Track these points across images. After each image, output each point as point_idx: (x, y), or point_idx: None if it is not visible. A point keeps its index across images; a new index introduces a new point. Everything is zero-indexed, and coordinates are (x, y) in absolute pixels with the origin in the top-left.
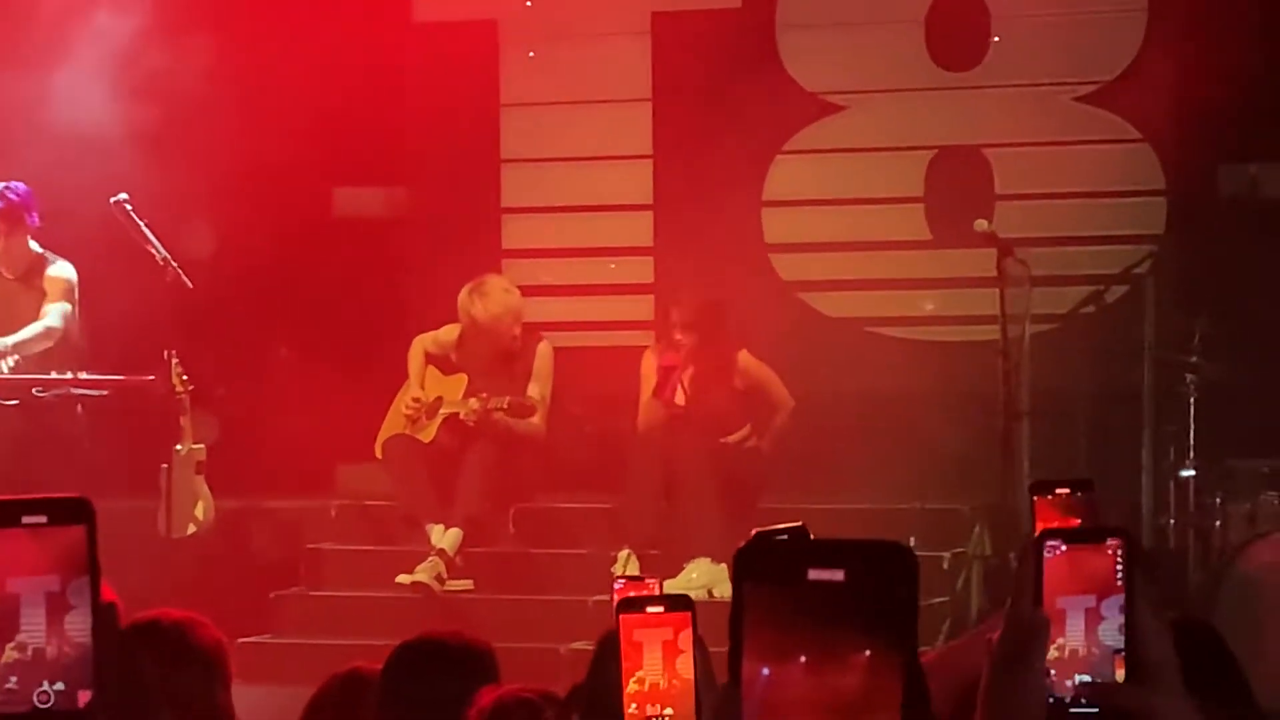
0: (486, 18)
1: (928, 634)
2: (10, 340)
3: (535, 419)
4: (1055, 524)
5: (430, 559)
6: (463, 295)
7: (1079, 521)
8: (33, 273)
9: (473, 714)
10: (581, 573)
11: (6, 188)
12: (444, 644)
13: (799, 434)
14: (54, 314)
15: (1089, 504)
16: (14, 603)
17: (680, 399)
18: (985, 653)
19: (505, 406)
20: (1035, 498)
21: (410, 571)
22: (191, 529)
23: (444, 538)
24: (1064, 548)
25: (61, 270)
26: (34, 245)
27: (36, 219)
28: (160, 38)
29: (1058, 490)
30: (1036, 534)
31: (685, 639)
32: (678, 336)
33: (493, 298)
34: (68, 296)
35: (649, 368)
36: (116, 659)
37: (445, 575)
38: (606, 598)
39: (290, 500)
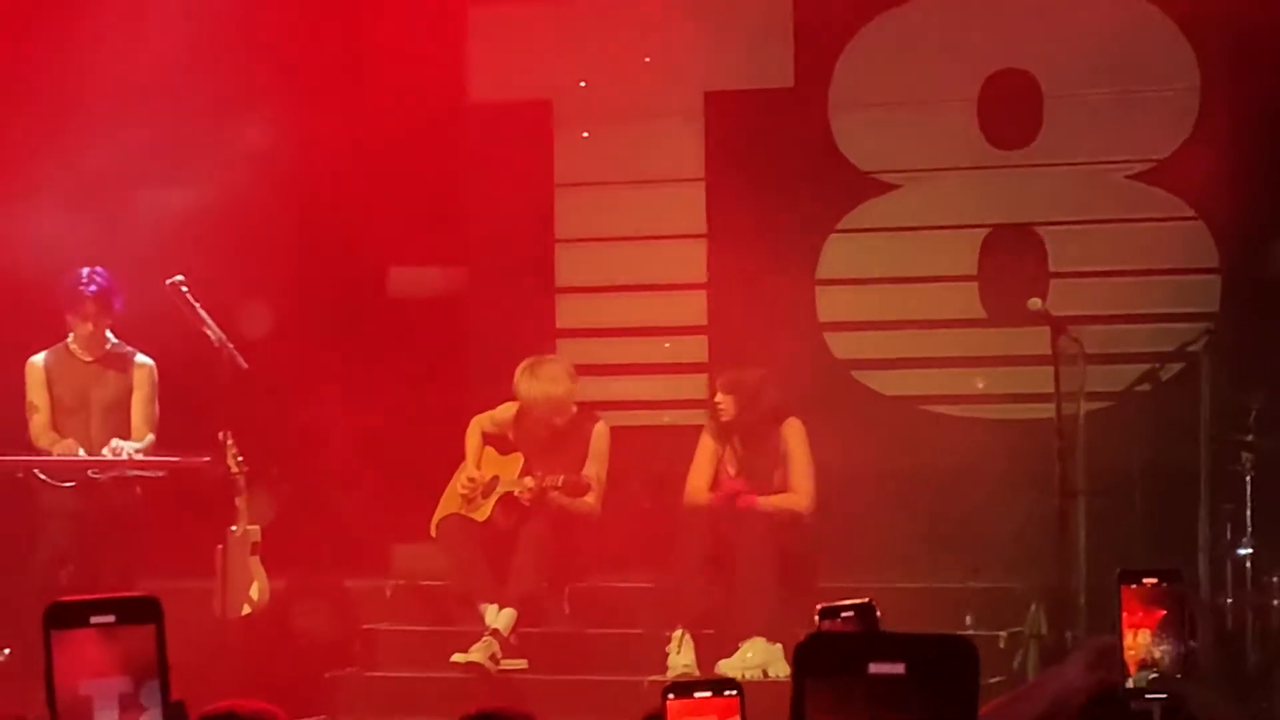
0: (541, 98)
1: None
2: (130, 446)
3: (590, 498)
4: (1140, 614)
5: (485, 639)
6: (518, 374)
7: (1165, 611)
8: (110, 359)
9: None
10: (636, 653)
11: (94, 272)
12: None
13: (855, 511)
14: (149, 421)
15: (1176, 594)
16: (88, 705)
17: (732, 468)
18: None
19: (560, 485)
20: (1122, 586)
21: (465, 651)
22: (246, 609)
23: (498, 617)
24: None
25: (151, 367)
26: (109, 332)
27: (120, 305)
28: (216, 119)
29: (1145, 580)
30: (1123, 625)
31: None
32: (717, 400)
33: (546, 377)
34: (155, 394)
35: (705, 448)
36: None
37: (500, 655)
38: (662, 678)
39: (345, 580)
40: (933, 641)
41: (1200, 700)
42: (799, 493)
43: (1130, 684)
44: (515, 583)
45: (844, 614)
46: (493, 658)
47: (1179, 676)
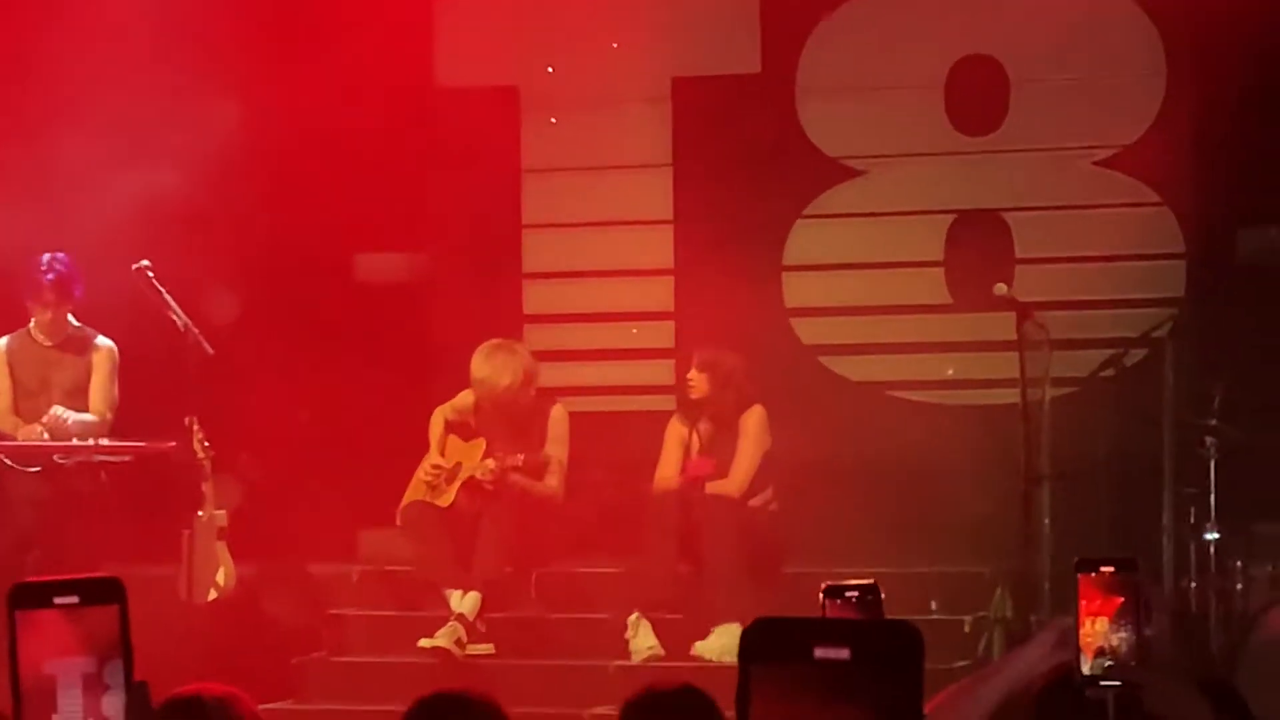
0: (508, 84)
1: None
2: (74, 417)
3: (553, 481)
4: (1097, 601)
5: (450, 624)
6: (474, 360)
7: (1122, 600)
8: (70, 342)
9: None
10: (603, 638)
11: (54, 258)
12: (456, 699)
13: (821, 496)
14: (107, 401)
15: (1133, 582)
16: (51, 685)
17: (695, 447)
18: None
19: (520, 464)
20: (1080, 575)
21: (432, 636)
22: (213, 595)
23: (463, 602)
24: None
25: (110, 349)
26: (70, 316)
27: (80, 291)
28: (181, 105)
29: (1102, 569)
30: (1080, 612)
31: None
32: (690, 377)
33: (498, 361)
34: (115, 376)
35: (673, 436)
36: None
37: (465, 640)
38: (627, 662)
39: (312, 565)
40: (878, 628)
41: (1157, 688)
42: (733, 479)
43: (1086, 670)
44: (478, 566)
45: (849, 594)
46: (458, 642)
47: (1133, 665)
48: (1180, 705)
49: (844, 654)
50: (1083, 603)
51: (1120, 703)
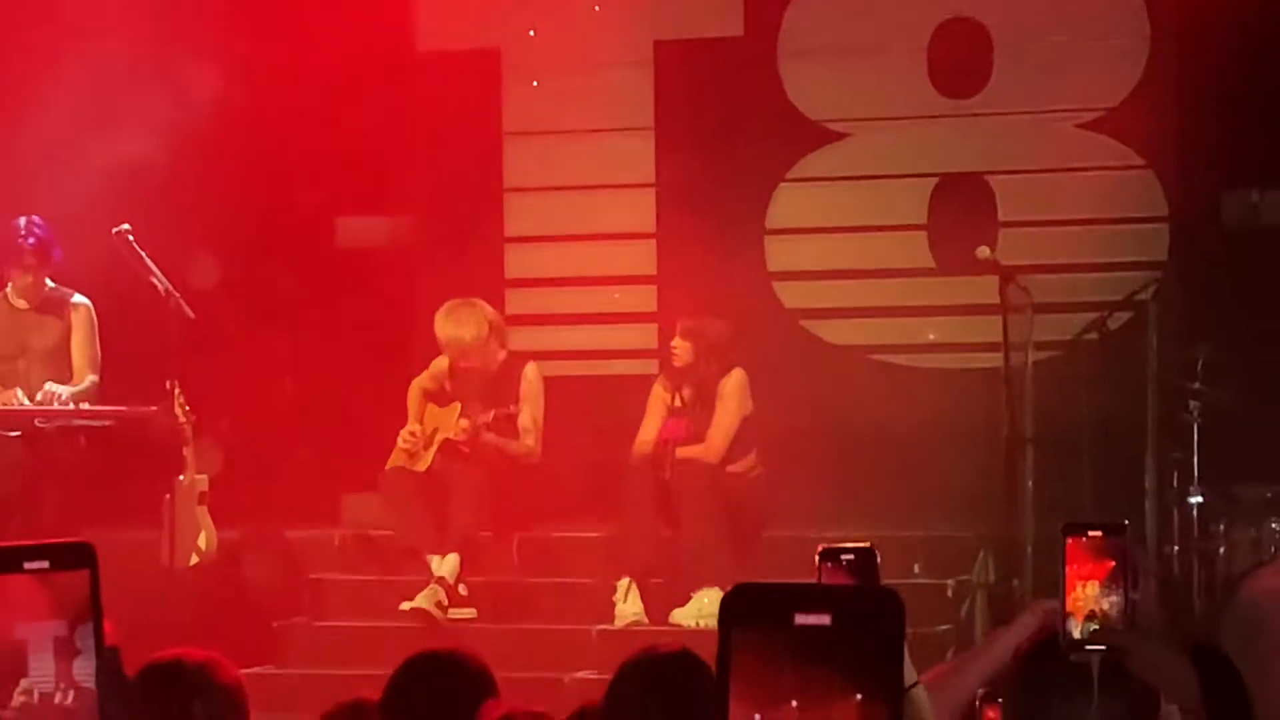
0: (489, 47)
1: (932, 661)
2: (67, 391)
3: (529, 440)
4: (1086, 566)
5: (431, 586)
6: (436, 320)
7: (1111, 564)
8: (48, 304)
9: None
10: (585, 602)
11: (31, 222)
12: (445, 659)
13: (802, 460)
14: (91, 361)
15: (1120, 546)
16: (21, 648)
17: (678, 401)
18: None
19: (490, 420)
20: (1067, 539)
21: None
22: (194, 560)
23: (442, 565)
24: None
25: (87, 306)
26: (48, 279)
27: (59, 254)
28: (162, 68)
29: (1090, 533)
30: (1067, 577)
31: None
32: (674, 344)
33: (460, 319)
34: (95, 334)
35: (656, 400)
36: (122, 705)
37: (446, 602)
38: (610, 627)
39: (293, 530)
40: (859, 594)
41: (1142, 652)
42: (710, 445)
43: (1075, 634)
44: (455, 527)
45: (844, 556)
46: (439, 605)
47: (1120, 629)
48: (1165, 669)
49: (825, 619)
50: (1072, 567)
51: (1105, 667)
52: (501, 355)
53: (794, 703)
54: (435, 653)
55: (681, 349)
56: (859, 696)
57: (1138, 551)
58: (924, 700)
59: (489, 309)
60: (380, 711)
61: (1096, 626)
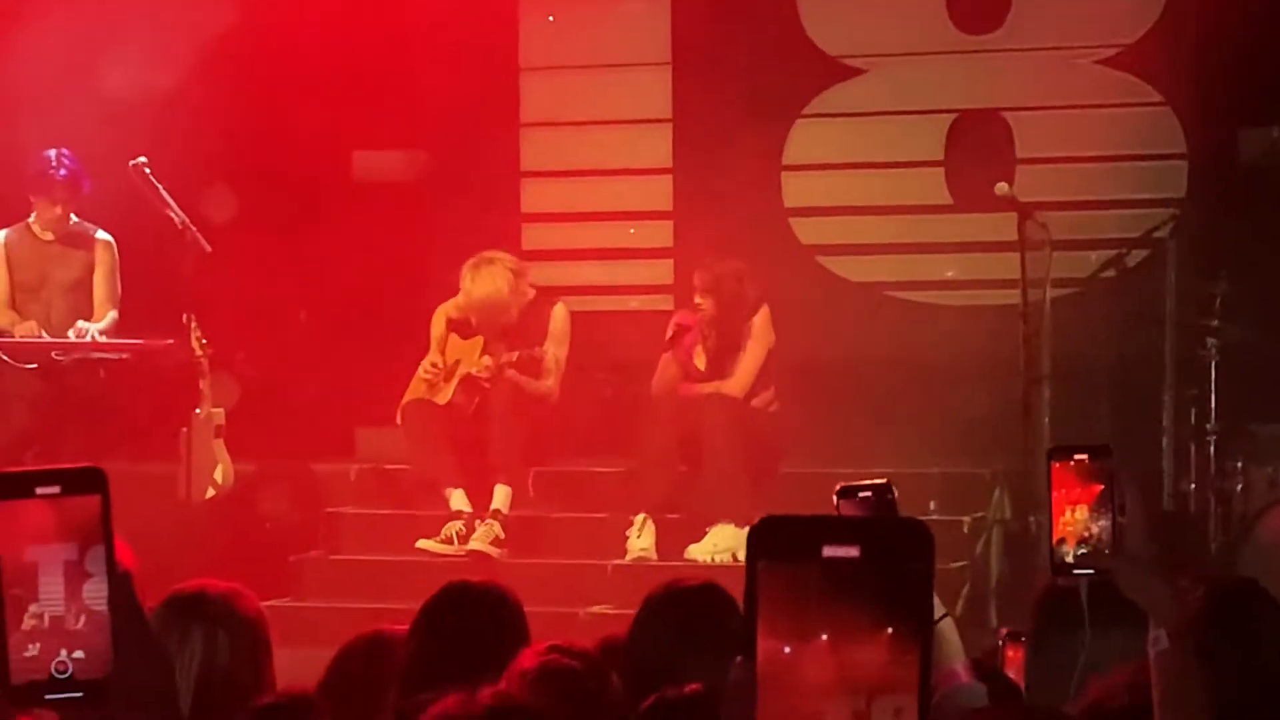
0: None
1: (947, 598)
2: (96, 328)
3: (550, 380)
4: (1075, 490)
5: (487, 523)
6: (462, 276)
7: (1099, 487)
8: (71, 237)
9: (515, 673)
10: (601, 537)
11: (62, 154)
12: (483, 591)
13: (818, 397)
14: (113, 296)
15: (1107, 470)
16: (32, 571)
17: (701, 363)
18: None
19: (515, 360)
20: (1053, 463)
21: (428, 535)
22: (211, 493)
23: (496, 497)
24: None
25: (110, 243)
26: (72, 213)
27: (88, 187)
28: (180, 1)
29: (1076, 456)
30: (1053, 502)
31: None
32: (698, 300)
33: (484, 277)
34: (117, 270)
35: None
36: (135, 628)
37: (502, 536)
38: (622, 561)
39: (310, 463)
40: (887, 525)
41: (1129, 576)
42: (736, 379)
43: (1067, 559)
44: (499, 459)
45: (861, 494)
46: (495, 541)
47: (1107, 552)
48: (1152, 593)
49: (853, 552)
50: (1059, 492)
51: (1094, 590)
52: (530, 294)
53: (824, 636)
54: (474, 583)
55: (705, 304)
56: (889, 630)
57: (1123, 475)
58: (952, 633)
59: (510, 259)
60: (409, 636)
61: (1086, 550)
